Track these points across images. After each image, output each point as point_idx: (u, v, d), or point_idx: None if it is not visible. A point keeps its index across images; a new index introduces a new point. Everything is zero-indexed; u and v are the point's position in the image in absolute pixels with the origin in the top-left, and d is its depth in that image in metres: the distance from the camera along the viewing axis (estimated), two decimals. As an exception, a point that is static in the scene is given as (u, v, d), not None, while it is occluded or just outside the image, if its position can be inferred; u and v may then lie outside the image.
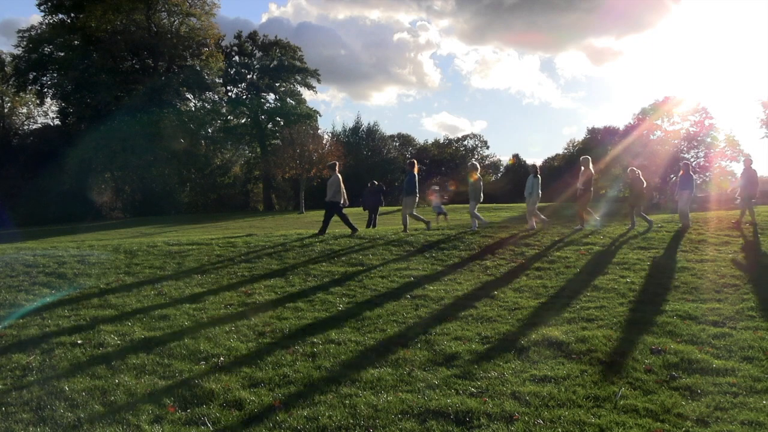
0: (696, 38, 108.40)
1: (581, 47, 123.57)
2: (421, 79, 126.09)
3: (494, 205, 34.61)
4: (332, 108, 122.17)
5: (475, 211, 13.39)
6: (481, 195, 13.63)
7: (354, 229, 13.04)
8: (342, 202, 13.17)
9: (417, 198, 13.42)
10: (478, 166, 14.48)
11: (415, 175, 13.38)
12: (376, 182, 17.99)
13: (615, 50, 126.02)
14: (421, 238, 11.90)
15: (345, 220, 13.21)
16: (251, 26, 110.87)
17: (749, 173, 13.68)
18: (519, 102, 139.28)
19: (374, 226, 16.62)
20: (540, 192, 13.51)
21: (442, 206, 19.42)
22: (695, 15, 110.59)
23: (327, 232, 13.10)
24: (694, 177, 13.51)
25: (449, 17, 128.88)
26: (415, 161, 13.96)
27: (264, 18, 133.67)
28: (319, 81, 60.26)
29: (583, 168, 13.48)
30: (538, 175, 13.54)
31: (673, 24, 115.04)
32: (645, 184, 13.94)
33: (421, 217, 13.65)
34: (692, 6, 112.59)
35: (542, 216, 13.62)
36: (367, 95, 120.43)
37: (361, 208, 18.27)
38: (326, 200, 13.23)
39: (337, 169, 13.35)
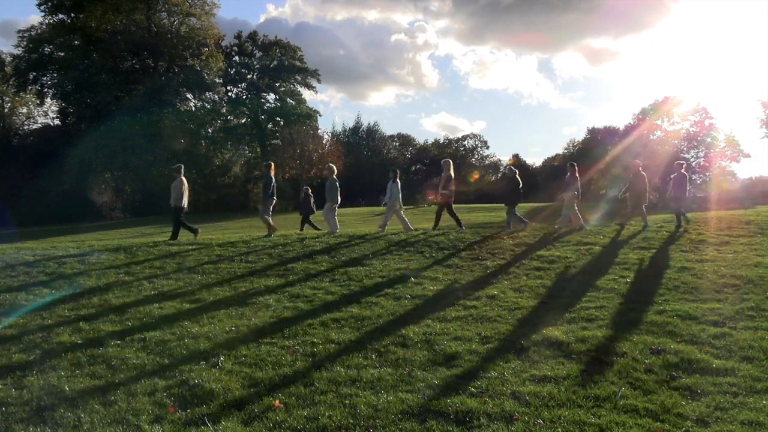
0: (696, 38, 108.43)
1: (579, 48, 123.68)
2: (419, 79, 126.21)
3: (494, 205, 34.63)
4: (331, 108, 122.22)
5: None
6: (399, 197, 13.53)
7: (195, 232, 12.99)
8: (182, 205, 12.85)
9: (274, 201, 13.23)
10: (334, 168, 14.13)
11: (271, 177, 13.16)
12: (309, 188, 18.08)
13: (612, 51, 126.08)
14: (421, 238, 11.90)
15: (181, 224, 13.02)
16: (249, 27, 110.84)
17: (639, 179, 13.60)
18: (517, 102, 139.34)
19: (314, 228, 16.63)
20: (400, 195, 13.56)
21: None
22: (695, 15, 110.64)
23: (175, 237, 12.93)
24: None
25: (446, 18, 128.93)
26: (272, 164, 13.72)
27: (262, 18, 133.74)
28: (319, 81, 60.30)
29: (444, 171, 13.62)
30: (398, 180, 13.64)
31: (673, 24, 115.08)
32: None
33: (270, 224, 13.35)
34: (691, 6, 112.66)
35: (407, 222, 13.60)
36: (365, 95, 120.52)
37: (359, 208, 18.28)
38: (171, 204, 12.97)
39: (182, 172, 13.04)
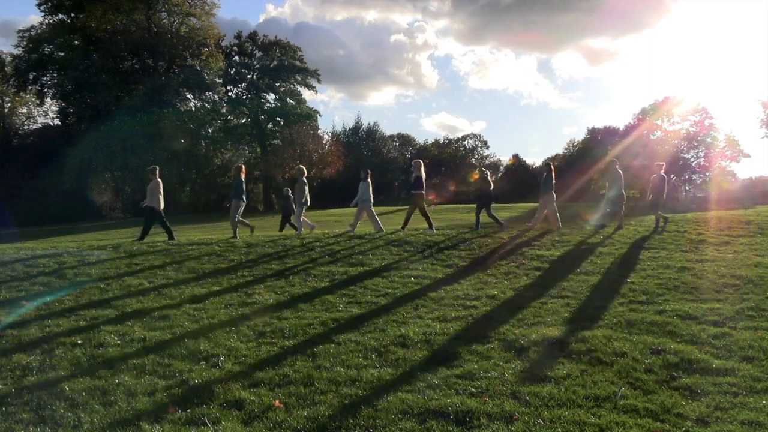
0: (695, 38, 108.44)
1: (578, 48, 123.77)
2: (419, 79, 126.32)
3: (494, 205, 34.59)
4: (330, 108, 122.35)
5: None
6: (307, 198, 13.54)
7: (170, 236, 12.89)
8: (160, 207, 12.82)
9: (244, 204, 13.23)
10: (303, 169, 14.17)
11: (242, 180, 13.15)
12: (289, 189, 18.15)
13: (611, 51, 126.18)
14: (421, 238, 11.90)
15: (160, 225, 12.94)
16: (249, 27, 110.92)
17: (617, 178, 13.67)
18: (517, 102, 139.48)
19: (293, 228, 16.64)
20: (371, 195, 13.59)
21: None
22: (694, 15, 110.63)
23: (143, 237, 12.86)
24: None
25: (445, 18, 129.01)
26: (243, 166, 13.75)
27: (261, 18, 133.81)
28: (319, 81, 60.26)
29: (414, 171, 13.69)
30: (368, 180, 13.65)
31: (672, 24, 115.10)
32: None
33: (247, 222, 13.35)
34: (691, 6, 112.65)
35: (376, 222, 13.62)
36: (365, 95, 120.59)
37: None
38: (146, 205, 12.90)
39: (157, 173, 12.95)
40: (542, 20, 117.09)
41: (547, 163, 14.13)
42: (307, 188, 13.70)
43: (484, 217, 14.03)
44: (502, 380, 4.73)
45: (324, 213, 31.31)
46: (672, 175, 42.25)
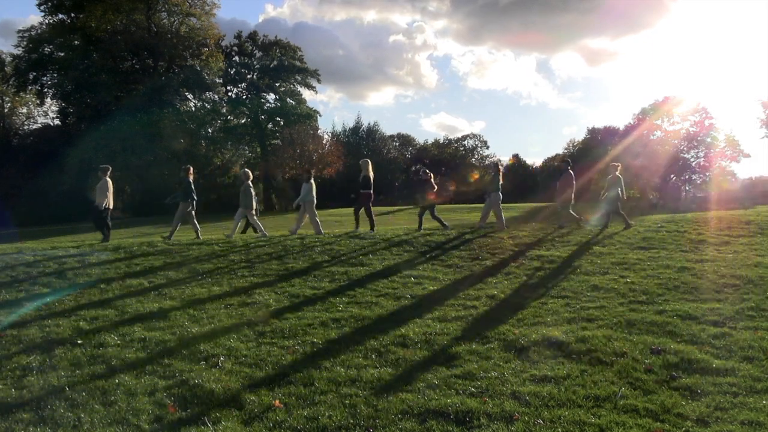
0: (695, 38, 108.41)
1: (577, 48, 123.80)
2: (418, 79, 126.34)
3: (494, 205, 34.58)
4: (330, 108, 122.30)
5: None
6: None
7: (106, 237, 12.82)
8: (105, 205, 12.77)
9: (193, 203, 13.10)
10: (249, 173, 14.07)
11: (190, 181, 13.07)
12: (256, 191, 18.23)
13: (610, 51, 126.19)
14: (421, 239, 11.90)
15: (102, 223, 12.88)
16: (248, 27, 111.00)
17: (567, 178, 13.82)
18: (516, 102, 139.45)
19: (255, 230, 16.63)
20: (315, 197, 13.61)
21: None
22: (693, 15, 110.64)
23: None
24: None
25: (444, 18, 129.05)
26: (190, 167, 13.60)
27: (261, 18, 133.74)
28: (319, 81, 60.22)
29: (362, 171, 13.67)
30: (311, 180, 13.68)
31: (671, 24, 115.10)
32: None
33: (196, 227, 13.24)
34: (690, 6, 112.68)
35: (319, 225, 13.66)
36: (364, 96, 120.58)
37: (353, 209, 18.34)
38: (94, 204, 12.83)
39: (108, 173, 12.83)
40: (541, 20, 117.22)
41: (496, 163, 14.25)
42: (253, 190, 13.65)
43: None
44: (502, 380, 4.73)
45: (324, 213, 31.29)
46: (672, 176, 42.24)
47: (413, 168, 16.03)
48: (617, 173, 13.67)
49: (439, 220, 13.70)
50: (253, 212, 13.62)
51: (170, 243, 11.93)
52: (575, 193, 14.15)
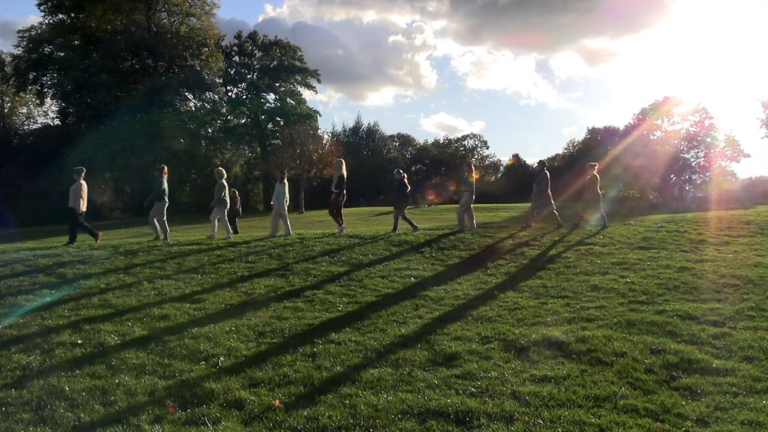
0: (695, 38, 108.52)
1: (576, 48, 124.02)
2: (417, 80, 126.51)
3: (494, 204, 34.63)
4: (330, 108, 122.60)
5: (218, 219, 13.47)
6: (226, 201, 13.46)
7: (73, 240, 12.57)
8: (81, 209, 12.55)
9: (167, 204, 13.07)
10: (223, 172, 13.91)
11: (163, 181, 12.96)
12: (236, 191, 18.19)
13: (610, 51, 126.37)
14: (421, 238, 11.90)
15: (80, 227, 12.72)
16: (247, 27, 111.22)
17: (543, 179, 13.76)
18: (516, 103, 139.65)
19: (235, 231, 16.67)
20: (287, 197, 13.61)
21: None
22: (693, 15, 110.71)
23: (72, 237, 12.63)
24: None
25: (443, 18, 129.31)
26: (165, 167, 13.49)
27: (260, 19, 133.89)
28: (319, 81, 60.35)
29: (336, 171, 13.58)
30: (285, 181, 13.66)
31: (671, 24, 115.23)
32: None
33: (159, 228, 13.12)
34: (689, 6, 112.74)
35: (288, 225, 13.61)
36: (363, 96, 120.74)
37: (359, 208, 18.33)
38: (69, 206, 12.58)
39: (82, 175, 12.61)
40: (540, 20, 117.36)
41: (467, 163, 14.20)
42: (226, 190, 13.61)
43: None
44: (502, 380, 4.73)
45: (324, 213, 31.28)
46: (672, 176, 42.22)
47: (394, 172, 15.92)
48: (594, 173, 13.73)
49: (410, 221, 13.64)
50: (224, 212, 13.60)
51: (169, 243, 11.92)
52: (552, 192, 14.12)
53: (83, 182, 12.66)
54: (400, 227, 13.37)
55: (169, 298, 7.72)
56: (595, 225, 13.33)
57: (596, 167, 13.98)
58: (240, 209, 17.85)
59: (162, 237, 12.97)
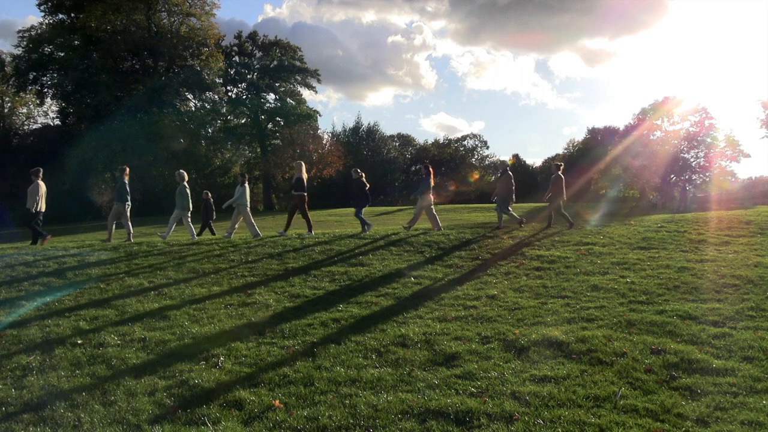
0: (694, 38, 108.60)
1: (575, 48, 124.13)
2: (417, 80, 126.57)
3: (494, 205, 34.57)
4: (329, 108, 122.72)
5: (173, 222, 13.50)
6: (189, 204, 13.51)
7: (40, 239, 12.60)
8: (37, 209, 12.46)
9: (129, 205, 13.00)
10: (184, 174, 13.93)
11: (125, 182, 12.93)
12: (209, 193, 18.20)
13: (609, 51, 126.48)
14: (421, 238, 11.90)
15: (32, 229, 12.66)
16: (247, 27, 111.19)
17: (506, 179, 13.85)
18: (515, 103, 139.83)
19: (212, 233, 16.68)
20: (248, 199, 13.47)
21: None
22: (692, 15, 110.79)
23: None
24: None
25: (443, 18, 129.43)
26: (127, 168, 13.46)
27: (259, 19, 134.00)
28: (319, 81, 60.26)
29: (296, 173, 13.55)
30: (246, 184, 13.59)
31: (669, 24, 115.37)
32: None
33: (111, 231, 13.08)
34: (688, 6, 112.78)
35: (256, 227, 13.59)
36: (363, 96, 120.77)
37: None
38: (27, 207, 12.49)
39: (39, 176, 12.51)
40: (539, 21, 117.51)
41: (425, 164, 14.11)
42: (188, 192, 13.61)
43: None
44: (502, 380, 4.73)
45: (324, 213, 31.26)
46: (672, 176, 42.19)
47: (353, 172, 15.82)
48: (559, 173, 13.77)
49: (363, 221, 13.66)
50: (188, 214, 13.61)
51: (107, 246, 11.77)
52: (515, 193, 14.18)
53: (41, 183, 12.53)
54: (399, 227, 13.38)
55: (169, 298, 7.72)
56: (595, 224, 13.34)
57: (561, 167, 14.06)
58: (214, 211, 17.82)
59: (125, 239, 12.96)
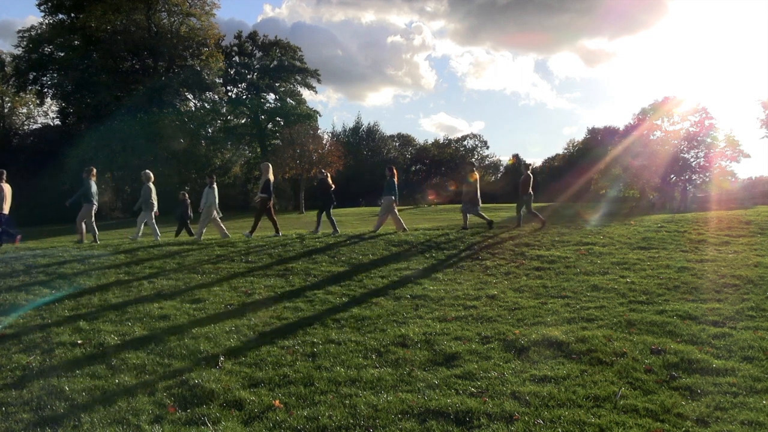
0: (694, 38, 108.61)
1: (574, 48, 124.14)
2: (416, 80, 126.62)
3: (494, 205, 34.63)
4: (329, 108, 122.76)
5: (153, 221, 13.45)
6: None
7: (13, 238, 12.58)
8: (4, 212, 12.45)
9: (95, 206, 13.00)
10: (150, 174, 13.87)
11: (90, 183, 12.88)
12: (186, 194, 18.19)
13: (608, 51, 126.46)
14: (421, 237, 11.90)
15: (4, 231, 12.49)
16: (246, 27, 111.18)
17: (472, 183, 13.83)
18: (515, 103, 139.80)
19: (189, 234, 16.68)
20: (217, 201, 13.47)
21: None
22: (691, 15, 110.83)
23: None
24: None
25: (442, 18, 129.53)
26: (93, 169, 13.50)
27: (259, 19, 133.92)
28: (319, 81, 60.40)
29: (262, 174, 13.54)
30: (214, 185, 13.56)
31: (669, 25, 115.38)
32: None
33: (84, 231, 13.01)
34: (688, 6, 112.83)
35: (224, 229, 13.59)
36: (363, 96, 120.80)
37: (359, 208, 18.35)
38: None
39: (3, 178, 12.52)
40: (538, 21, 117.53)
41: (389, 167, 14.11)
42: (153, 193, 13.60)
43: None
44: (502, 380, 4.72)
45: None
46: (672, 176, 42.19)
47: (318, 173, 15.92)
48: (528, 172, 13.82)
49: (318, 223, 13.60)
50: (153, 214, 13.61)
51: (81, 246, 11.75)
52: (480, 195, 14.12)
53: (5, 185, 12.57)
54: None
55: (169, 298, 7.72)
56: (595, 224, 13.34)
57: (530, 167, 14.12)
58: (190, 212, 17.79)
59: (91, 240, 12.96)
